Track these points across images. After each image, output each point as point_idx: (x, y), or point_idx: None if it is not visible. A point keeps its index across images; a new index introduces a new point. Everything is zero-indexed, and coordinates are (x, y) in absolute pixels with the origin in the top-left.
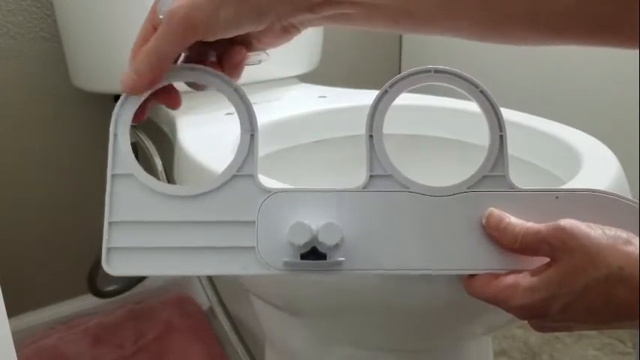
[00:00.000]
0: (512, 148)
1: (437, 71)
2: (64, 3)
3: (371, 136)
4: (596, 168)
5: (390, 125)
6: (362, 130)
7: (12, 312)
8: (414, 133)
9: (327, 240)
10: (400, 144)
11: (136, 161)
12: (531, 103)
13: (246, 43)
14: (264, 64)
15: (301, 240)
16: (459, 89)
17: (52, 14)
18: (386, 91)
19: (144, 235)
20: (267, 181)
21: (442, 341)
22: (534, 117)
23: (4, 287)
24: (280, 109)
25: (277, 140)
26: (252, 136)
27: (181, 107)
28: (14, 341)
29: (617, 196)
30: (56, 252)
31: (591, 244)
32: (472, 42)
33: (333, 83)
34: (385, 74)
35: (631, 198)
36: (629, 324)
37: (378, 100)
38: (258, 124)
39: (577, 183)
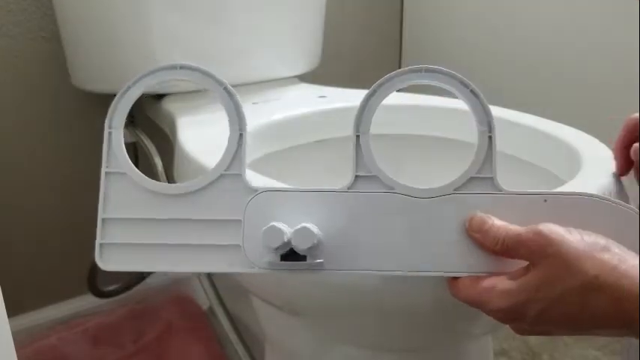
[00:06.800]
0: (511, 148)
1: (427, 70)
2: (64, 3)
3: (358, 137)
4: (596, 168)
5: (390, 125)
6: None
7: (12, 312)
8: (413, 133)
9: (299, 244)
10: (400, 144)
11: (129, 159)
12: (531, 102)
13: None
14: (264, 64)
15: (274, 244)
16: (449, 88)
17: (51, 14)
18: (374, 91)
19: (135, 231)
20: (262, 181)
21: (442, 341)
22: (534, 116)
23: (4, 287)
24: (280, 109)
25: (277, 140)
26: (241, 136)
27: (181, 107)
28: (14, 341)
29: (611, 200)
30: (56, 252)
31: (568, 250)
32: (473, 43)
33: (333, 83)
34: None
35: (624, 203)
36: (607, 332)
37: (366, 100)
38: (259, 124)
39: (576, 183)
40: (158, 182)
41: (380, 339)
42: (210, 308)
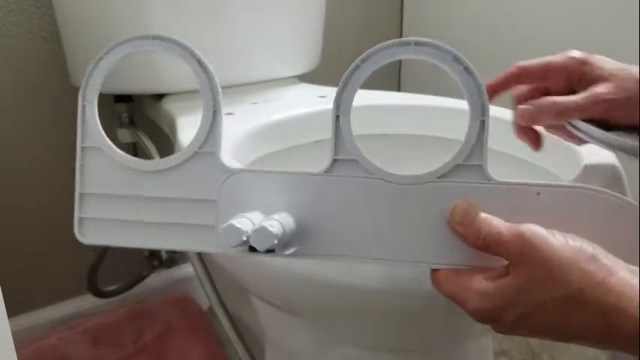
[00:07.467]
0: (511, 147)
1: (417, 43)
2: (64, 3)
3: (337, 117)
4: (596, 167)
5: (390, 125)
6: (362, 131)
7: (12, 312)
8: (413, 133)
9: (258, 245)
10: (400, 144)
11: (104, 134)
12: None
13: None
14: (264, 64)
15: (232, 243)
16: (440, 64)
17: (51, 14)
18: (357, 66)
19: (112, 207)
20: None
21: (442, 341)
22: None
23: (4, 287)
24: (280, 109)
25: (277, 140)
26: (215, 113)
27: (181, 107)
28: (14, 341)
29: (608, 193)
30: (56, 252)
31: (551, 256)
32: (473, 43)
33: (333, 83)
34: (385, 74)
35: (622, 196)
36: (590, 344)
37: (348, 77)
38: (259, 124)
39: (576, 182)
40: (133, 158)
41: (380, 339)
42: (210, 308)
